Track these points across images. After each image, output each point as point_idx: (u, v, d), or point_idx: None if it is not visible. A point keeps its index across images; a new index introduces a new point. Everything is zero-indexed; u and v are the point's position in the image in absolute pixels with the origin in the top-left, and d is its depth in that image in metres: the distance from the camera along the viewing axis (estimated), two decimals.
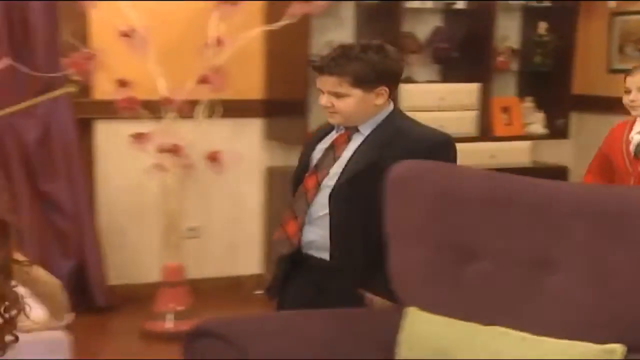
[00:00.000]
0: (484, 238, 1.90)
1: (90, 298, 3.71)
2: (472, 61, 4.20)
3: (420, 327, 1.91)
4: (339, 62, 2.23)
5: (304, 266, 2.34)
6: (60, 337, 2.25)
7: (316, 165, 2.34)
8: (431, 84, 4.23)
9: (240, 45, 3.41)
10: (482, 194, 1.96)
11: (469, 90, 4.15)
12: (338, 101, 2.24)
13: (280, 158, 4.13)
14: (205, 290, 3.85)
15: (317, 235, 2.29)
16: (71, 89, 3.61)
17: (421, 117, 3.90)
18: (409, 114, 3.84)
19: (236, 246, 4.20)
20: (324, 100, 2.27)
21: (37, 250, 3.55)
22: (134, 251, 3.95)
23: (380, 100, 2.26)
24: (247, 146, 4.05)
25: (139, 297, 3.71)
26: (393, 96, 2.33)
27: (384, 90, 2.25)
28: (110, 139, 3.83)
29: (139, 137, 3.43)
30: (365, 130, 2.29)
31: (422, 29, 4.23)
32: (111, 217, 3.90)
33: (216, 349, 1.96)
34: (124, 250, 3.93)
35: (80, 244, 3.71)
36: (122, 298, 3.81)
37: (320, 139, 2.40)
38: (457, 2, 4.17)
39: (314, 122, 3.98)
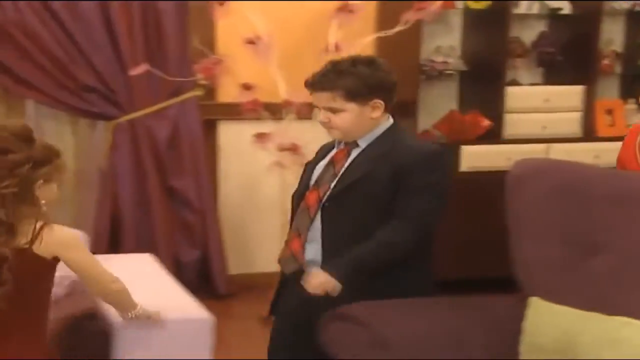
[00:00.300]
0: (609, 233, 2.03)
1: (213, 286, 3.99)
2: (576, 64, 4.29)
3: (544, 315, 2.05)
4: (330, 77, 2.23)
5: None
6: (205, 317, 2.38)
7: (317, 182, 2.33)
8: (536, 87, 4.35)
9: (355, 50, 3.62)
10: (605, 190, 2.09)
11: (573, 93, 4.24)
12: (335, 116, 2.24)
13: None
14: None
15: (315, 253, 2.28)
16: (198, 92, 3.92)
17: (526, 119, 4.14)
18: (514, 115, 4.12)
19: None
20: (321, 116, 2.27)
21: (166, 240, 3.88)
22: (253, 243, 4.20)
23: (376, 114, 2.25)
24: None
25: (257, 286, 3.95)
26: (389, 110, 2.30)
27: (378, 103, 2.24)
28: (233, 138, 4.10)
29: (260, 137, 3.70)
30: (363, 143, 2.29)
31: (528, 33, 4.33)
32: (232, 211, 4.17)
33: (352, 333, 2.09)
34: (244, 242, 4.20)
35: (204, 236, 3.98)
36: (241, 286, 4.07)
37: (322, 156, 2.40)
38: (563, 7, 4.27)
39: (422, 123, 4.20)
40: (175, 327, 2.30)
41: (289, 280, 2.37)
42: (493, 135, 4.10)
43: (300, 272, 2.28)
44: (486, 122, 4.07)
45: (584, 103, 4.25)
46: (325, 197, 2.27)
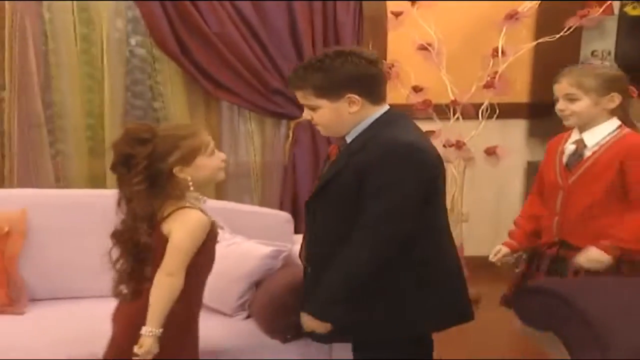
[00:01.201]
0: None
1: None
2: None
3: None
4: (300, 74, 2.17)
5: None
6: None
7: (319, 178, 2.31)
8: None
9: (518, 55, 3.94)
10: None
11: None
12: (314, 114, 2.18)
13: (541, 154, 4.58)
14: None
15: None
16: None
17: None
18: None
19: (497, 231, 4.70)
20: (304, 113, 2.23)
21: None
22: None
23: (353, 108, 2.13)
24: (513, 143, 4.50)
25: None
26: (370, 100, 2.16)
27: (354, 98, 2.12)
28: None
29: (429, 134, 4.07)
30: (349, 139, 2.20)
31: None
32: None
33: (551, 306, 2.19)
34: None
35: None
36: None
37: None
38: None
39: None
40: None
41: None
42: None
43: None
44: None
45: None
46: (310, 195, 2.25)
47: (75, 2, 4.01)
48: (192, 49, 4.03)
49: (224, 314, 2.72)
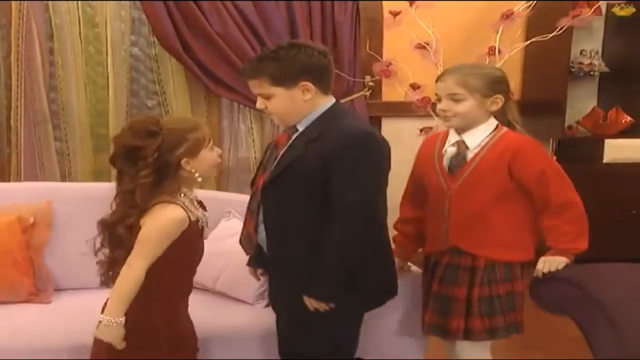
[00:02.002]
0: None
1: None
2: None
3: None
4: (254, 65, 2.24)
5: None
6: None
7: (264, 166, 2.36)
8: None
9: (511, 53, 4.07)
10: None
11: None
12: (268, 102, 2.25)
13: None
14: None
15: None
16: (366, 92, 4.46)
17: None
18: None
19: None
20: (258, 103, 2.28)
21: None
22: None
23: (307, 96, 2.23)
24: None
25: None
26: (321, 89, 2.25)
27: (308, 85, 2.22)
28: (393, 133, 4.59)
29: (426, 130, 4.19)
30: (301, 127, 2.27)
31: None
32: (392, 201, 4.65)
33: (566, 292, 2.28)
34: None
35: None
36: None
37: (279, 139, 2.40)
38: None
39: (569, 120, 4.59)
40: None
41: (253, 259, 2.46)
42: (636, 130, 4.45)
43: (262, 258, 2.37)
44: (627, 118, 4.43)
45: None
46: (266, 181, 2.28)
47: (79, 2, 4.09)
48: (194, 48, 4.12)
49: (246, 303, 2.81)
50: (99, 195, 2.94)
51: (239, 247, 2.45)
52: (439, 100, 2.49)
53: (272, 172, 2.27)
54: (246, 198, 3.13)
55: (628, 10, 4.38)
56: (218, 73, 4.20)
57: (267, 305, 2.59)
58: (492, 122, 2.49)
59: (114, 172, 3.85)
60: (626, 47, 4.55)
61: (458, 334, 2.49)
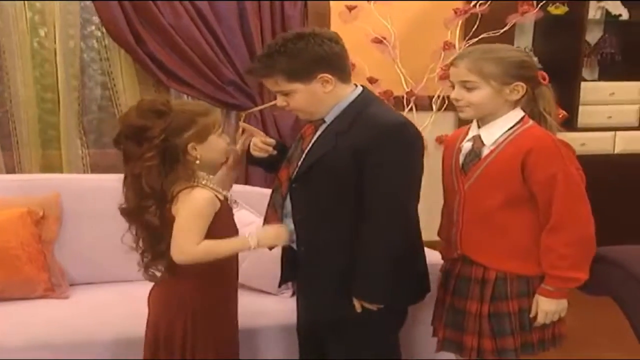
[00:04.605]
0: None
1: None
2: (633, 63, 4.93)
3: None
4: (265, 62, 2.12)
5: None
6: None
7: (288, 159, 2.26)
8: (604, 82, 4.92)
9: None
10: None
11: (633, 88, 4.85)
12: (289, 99, 2.15)
13: None
14: None
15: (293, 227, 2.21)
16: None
17: (593, 110, 4.73)
18: (586, 107, 4.69)
19: None
20: (278, 101, 2.20)
21: None
22: None
23: (328, 88, 2.12)
24: None
25: None
26: (341, 78, 2.14)
27: (326, 77, 2.11)
28: None
29: None
30: (329, 119, 2.17)
31: (588, 36, 4.92)
32: None
33: (607, 272, 2.20)
34: None
35: None
36: None
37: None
38: (622, 14, 4.92)
39: None
40: None
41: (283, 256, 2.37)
42: (569, 125, 4.70)
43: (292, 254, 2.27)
44: (562, 113, 4.67)
45: None
46: (293, 176, 2.18)
47: None
48: (146, 41, 4.00)
49: (270, 294, 2.78)
50: (106, 187, 2.86)
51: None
52: (453, 86, 2.25)
53: (300, 167, 2.17)
54: (242, 188, 3.09)
55: (562, 9, 4.62)
56: (170, 66, 4.09)
57: (293, 294, 2.54)
58: (515, 115, 2.20)
59: (66, 167, 3.75)
60: (561, 44, 4.78)
61: (472, 353, 2.27)
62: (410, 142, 2.13)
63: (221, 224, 2.13)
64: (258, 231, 2.11)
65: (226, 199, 2.18)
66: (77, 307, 2.70)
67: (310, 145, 2.19)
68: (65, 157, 3.99)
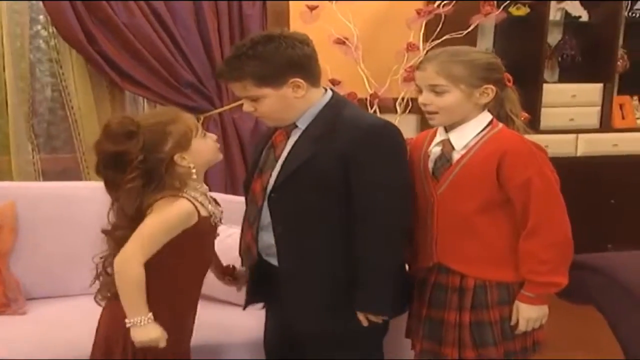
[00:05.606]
0: None
1: None
2: (593, 65, 4.92)
3: None
4: (233, 65, 2.02)
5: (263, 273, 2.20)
6: None
7: (260, 169, 2.16)
8: (565, 84, 4.88)
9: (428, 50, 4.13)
10: None
11: (594, 89, 4.83)
12: (257, 104, 2.06)
13: None
14: None
15: (272, 240, 2.11)
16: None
17: (555, 112, 4.70)
18: (548, 109, 4.67)
19: None
20: (245, 106, 2.10)
21: None
22: None
23: (299, 93, 2.05)
24: None
25: None
26: (311, 82, 2.07)
27: (297, 82, 2.03)
28: None
29: None
30: (303, 124, 2.10)
31: (551, 37, 4.92)
32: None
33: (590, 279, 2.26)
34: None
35: None
36: None
37: (269, 137, 2.21)
38: (582, 15, 4.91)
39: None
40: None
41: (254, 273, 2.26)
42: (532, 127, 4.65)
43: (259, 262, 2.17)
44: (524, 115, 4.64)
45: (602, 98, 4.87)
46: (270, 186, 2.09)
47: None
48: (99, 40, 3.84)
49: (237, 305, 2.61)
50: (64, 195, 2.71)
51: (223, 247, 2.28)
52: (420, 92, 2.16)
53: (278, 176, 2.07)
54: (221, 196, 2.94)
55: (523, 10, 4.58)
56: (124, 66, 3.94)
57: (263, 307, 2.41)
58: (484, 118, 2.16)
59: (16, 172, 3.56)
60: (522, 45, 4.74)
61: None
62: (396, 142, 2.08)
63: (194, 242, 2.02)
64: (141, 328, 1.94)
65: (210, 215, 2.07)
66: (36, 323, 2.56)
67: (286, 153, 2.10)
68: (15, 162, 3.80)
